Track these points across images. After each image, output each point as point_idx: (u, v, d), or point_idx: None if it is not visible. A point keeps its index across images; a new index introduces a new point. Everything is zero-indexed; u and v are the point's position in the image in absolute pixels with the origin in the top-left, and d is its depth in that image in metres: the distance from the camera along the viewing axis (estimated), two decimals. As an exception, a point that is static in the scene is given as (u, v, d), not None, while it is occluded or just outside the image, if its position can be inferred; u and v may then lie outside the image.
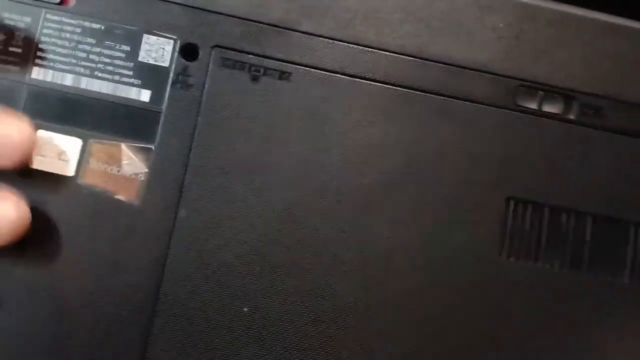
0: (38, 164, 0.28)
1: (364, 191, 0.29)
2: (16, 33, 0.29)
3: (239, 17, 0.30)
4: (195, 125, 0.29)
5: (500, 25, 0.31)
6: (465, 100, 0.30)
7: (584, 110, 0.30)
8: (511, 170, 0.30)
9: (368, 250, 0.29)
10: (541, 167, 0.30)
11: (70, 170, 0.28)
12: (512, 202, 0.30)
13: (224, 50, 0.29)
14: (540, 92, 0.30)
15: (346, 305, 0.29)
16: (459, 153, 0.30)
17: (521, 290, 0.29)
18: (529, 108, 0.30)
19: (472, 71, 0.30)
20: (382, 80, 0.30)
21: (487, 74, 0.30)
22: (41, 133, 0.28)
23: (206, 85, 0.29)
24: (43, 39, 0.29)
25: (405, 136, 0.30)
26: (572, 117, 0.30)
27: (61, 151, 0.28)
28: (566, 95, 0.31)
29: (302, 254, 0.29)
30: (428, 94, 0.30)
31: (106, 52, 0.29)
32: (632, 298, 0.30)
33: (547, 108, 0.30)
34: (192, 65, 0.29)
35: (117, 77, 0.29)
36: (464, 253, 0.29)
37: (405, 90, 0.30)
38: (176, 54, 0.29)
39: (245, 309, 0.28)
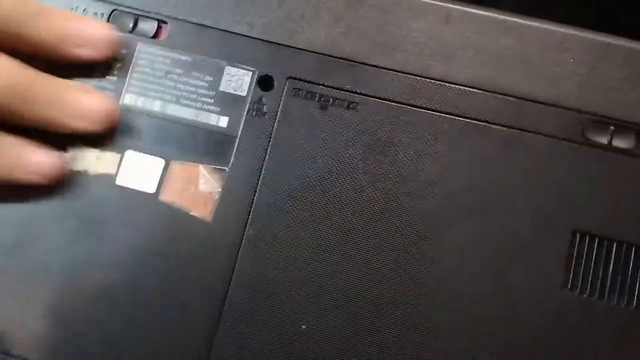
0: (124, 180, 0.31)
1: (424, 220, 0.30)
2: (113, 62, 0.32)
3: (312, 52, 0.32)
4: (267, 150, 0.31)
5: (571, 60, 0.31)
6: (533, 132, 0.30)
7: (658, 146, 0.30)
8: (579, 204, 0.29)
9: (425, 279, 0.29)
10: (609, 202, 0.29)
11: (152, 187, 0.31)
12: (578, 235, 0.29)
13: (297, 81, 0.31)
14: (610, 127, 0.30)
15: (402, 332, 0.29)
16: (525, 185, 0.30)
17: (585, 326, 0.28)
18: (598, 142, 0.30)
19: (540, 104, 0.30)
20: (448, 111, 0.31)
21: (556, 108, 0.30)
22: (129, 153, 0.31)
23: (279, 113, 0.31)
24: (137, 68, 0.32)
25: (470, 167, 0.30)
26: (644, 152, 0.30)
27: (145, 170, 0.31)
28: (638, 131, 0.30)
29: (359, 279, 0.29)
30: (495, 126, 0.30)
31: (192, 81, 0.32)
32: None
33: (618, 143, 0.30)
34: (267, 94, 0.31)
35: (199, 105, 0.31)
36: (527, 285, 0.29)
37: (472, 121, 0.30)
38: (254, 84, 0.31)
39: (304, 327, 0.29)
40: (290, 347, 0.29)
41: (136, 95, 0.32)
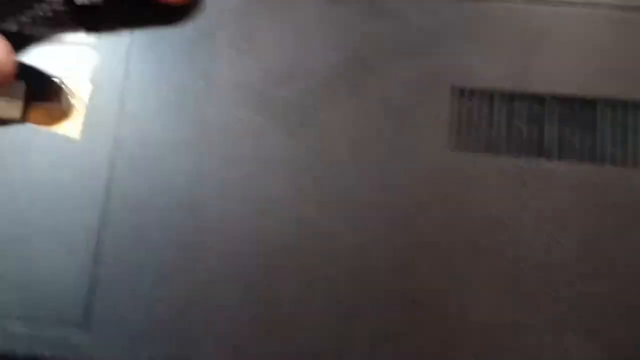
0: (-14, 109, 0.30)
1: (293, 103, 0.28)
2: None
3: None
4: (128, 59, 0.29)
5: None
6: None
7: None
8: (453, 59, 0.28)
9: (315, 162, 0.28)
10: (483, 51, 0.28)
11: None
12: (458, 92, 0.27)
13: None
14: None
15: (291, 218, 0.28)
16: (398, 49, 0.28)
17: (478, 184, 0.27)
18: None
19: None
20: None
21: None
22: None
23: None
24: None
25: (335, 43, 0.29)
26: None
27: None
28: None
29: (233, 179, 0.28)
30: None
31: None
32: (604, 181, 0.26)
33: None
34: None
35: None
36: (414, 149, 0.27)
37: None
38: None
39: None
40: (178, 259, 0.28)
41: (-10, 21, 0.30)
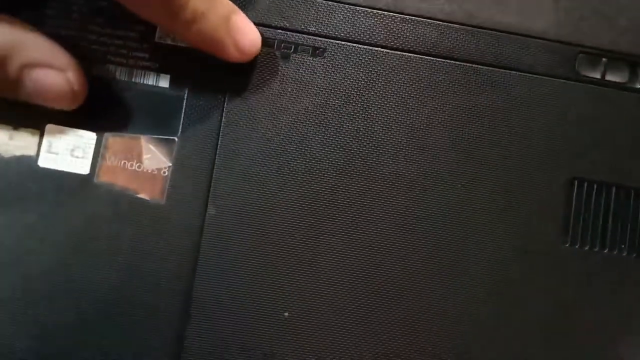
0: (48, 162, 0.25)
1: (410, 176, 0.26)
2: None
3: (264, -12, 0.26)
4: (222, 111, 0.26)
5: (557, -14, 0.27)
6: (521, 70, 0.27)
7: (652, 77, 0.27)
8: (574, 147, 0.27)
9: (417, 240, 0.26)
10: (607, 142, 0.27)
11: (84, 168, 0.25)
12: (576, 183, 0.27)
13: (250, 25, 0.26)
14: (603, 59, 0.27)
15: (394, 300, 0.26)
16: (515, 130, 0.27)
17: (591, 282, 0.26)
18: (591, 77, 0.27)
19: (527, 38, 0.27)
20: (428, 52, 0.27)
21: (543, 41, 0.27)
22: (50, 127, 0.25)
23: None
24: (48, 21, 0.26)
25: (455, 113, 0.26)
26: (638, 85, 0.27)
27: (74, 147, 0.25)
28: (632, 62, 0.27)
29: (342, 247, 0.26)
30: (480, 65, 0.27)
31: (118, 33, 0.26)
32: None
33: (611, 77, 0.27)
34: (215, 43, 0.26)
35: (132, 61, 0.26)
36: (524, 243, 0.26)
37: (454, 62, 0.27)
38: (197, 32, 0.26)
39: (286, 314, 0.25)
40: (271, 335, 0.25)
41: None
